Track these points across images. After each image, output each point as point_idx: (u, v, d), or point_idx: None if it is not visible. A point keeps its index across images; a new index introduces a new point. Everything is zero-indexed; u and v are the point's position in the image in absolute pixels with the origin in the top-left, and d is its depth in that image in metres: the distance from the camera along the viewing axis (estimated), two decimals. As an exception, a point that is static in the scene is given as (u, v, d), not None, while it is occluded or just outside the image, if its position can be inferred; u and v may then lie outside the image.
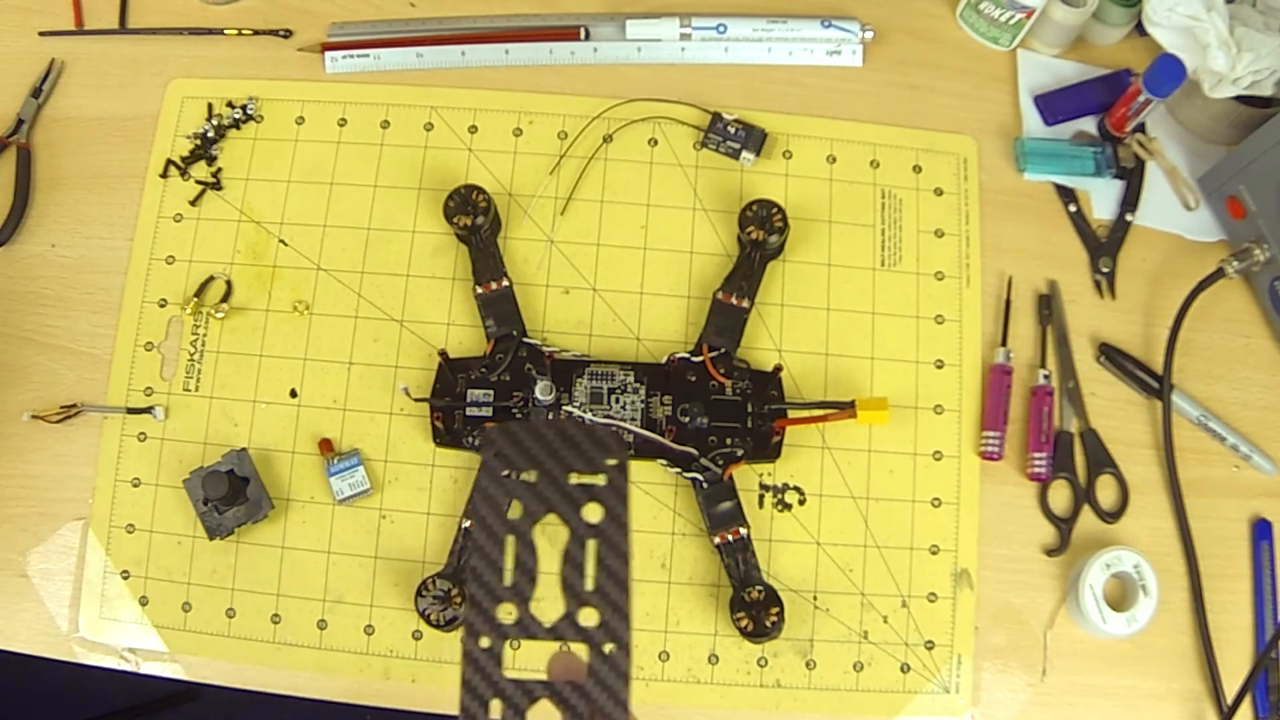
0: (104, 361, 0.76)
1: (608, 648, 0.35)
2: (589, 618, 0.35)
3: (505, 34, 0.83)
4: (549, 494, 0.36)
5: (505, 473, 0.36)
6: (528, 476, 0.36)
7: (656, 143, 0.81)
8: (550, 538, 0.35)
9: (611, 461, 0.36)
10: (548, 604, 0.35)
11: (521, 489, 0.36)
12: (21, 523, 0.74)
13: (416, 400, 0.74)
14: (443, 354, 0.73)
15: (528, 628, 0.35)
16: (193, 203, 0.79)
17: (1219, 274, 0.75)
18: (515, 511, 0.36)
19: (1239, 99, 0.77)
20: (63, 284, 0.78)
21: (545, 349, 0.75)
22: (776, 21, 0.83)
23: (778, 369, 0.74)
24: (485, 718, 0.34)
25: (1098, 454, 0.75)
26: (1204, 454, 0.76)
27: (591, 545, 0.35)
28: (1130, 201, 0.80)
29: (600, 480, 0.36)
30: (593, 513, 0.36)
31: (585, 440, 0.36)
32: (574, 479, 0.36)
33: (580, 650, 0.35)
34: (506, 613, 0.35)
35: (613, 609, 0.35)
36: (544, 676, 0.35)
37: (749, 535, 0.71)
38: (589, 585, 0.35)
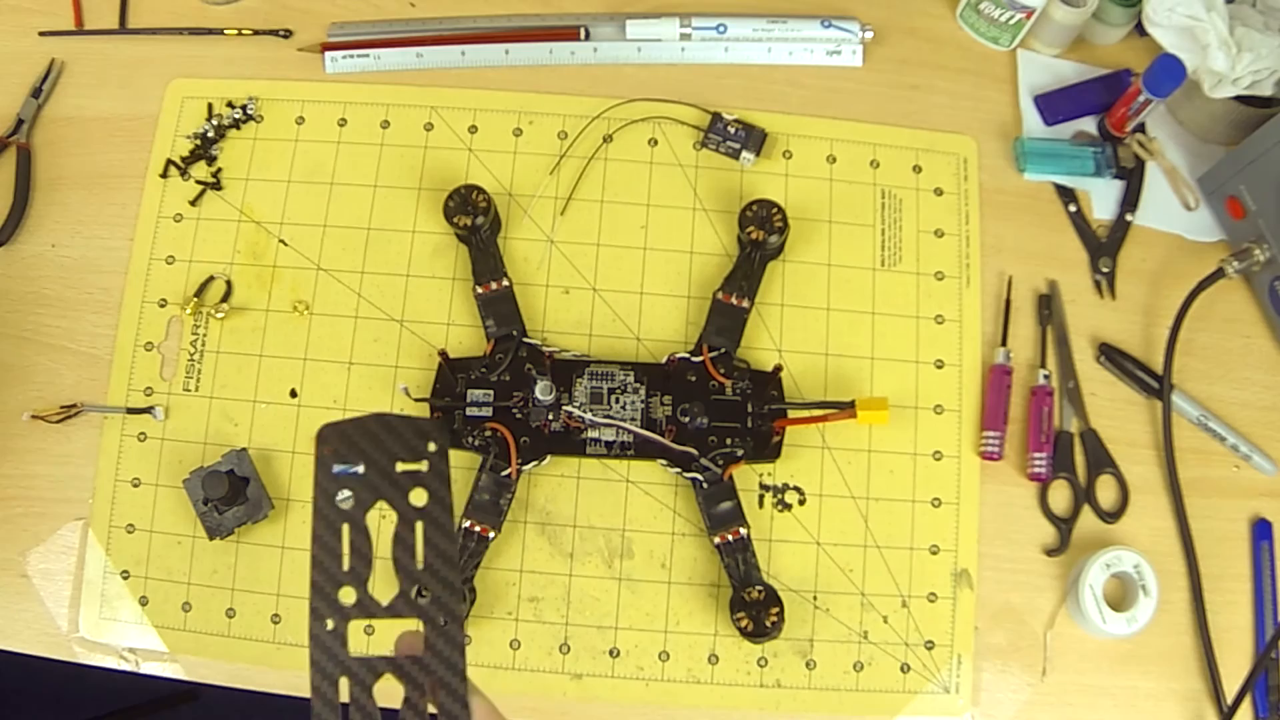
0: (104, 361, 0.76)
1: (442, 621, 0.37)
2: (423, 595, 0.38)
3: (505, 34, 0.83)
4: (377, 483, 0.38)
5: (337, 467, 0.38)
6: (358, 468, 0.38)
7: (656, 143, 0.81)
8: (381, 522, 0.38)
9: (433, 448, 0.38)
10: (384, 585, 0.37)
11: (352, 480, 0.38)
12: (21, 523, 0.74)
13: (416, 400, 0.74)
14: (443, 354, 0.73)
15: (367, 608, 0.37)
16: (193, 203, 0.79)
17: (1219, 274, 0.75)
18: (348, 502, 0.38)
19: (1239, 99, 0.77)
20: (63, 284, 0.78)
21: (545, 349, 0.74)
22: (776, 21, 0.83)
23: (778, 369, 0.74)
24: (335, 695, 0.36)
25: (1098, 454, 0.75)
26: (1204, 454, 0.76)
27: (419, 527, 0.38)
28: (1130, 201, 0.80)
29: (423, 467, 0.38)
30: (419, 497, 0.38)
31: (408, 431, 0.38)
32: (400, 467, 0.38)
33: (419, 631, 0.37)
34: (347, 595, 0.37)
35: (443, 585, 0.38)
36: (389, 653, 0.37)
37: (749, 535, 0.71)
38: (419, 564, 0.38)
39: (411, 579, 0.38)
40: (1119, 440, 0.76)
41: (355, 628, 0.37)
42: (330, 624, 0.37)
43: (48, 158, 0.81)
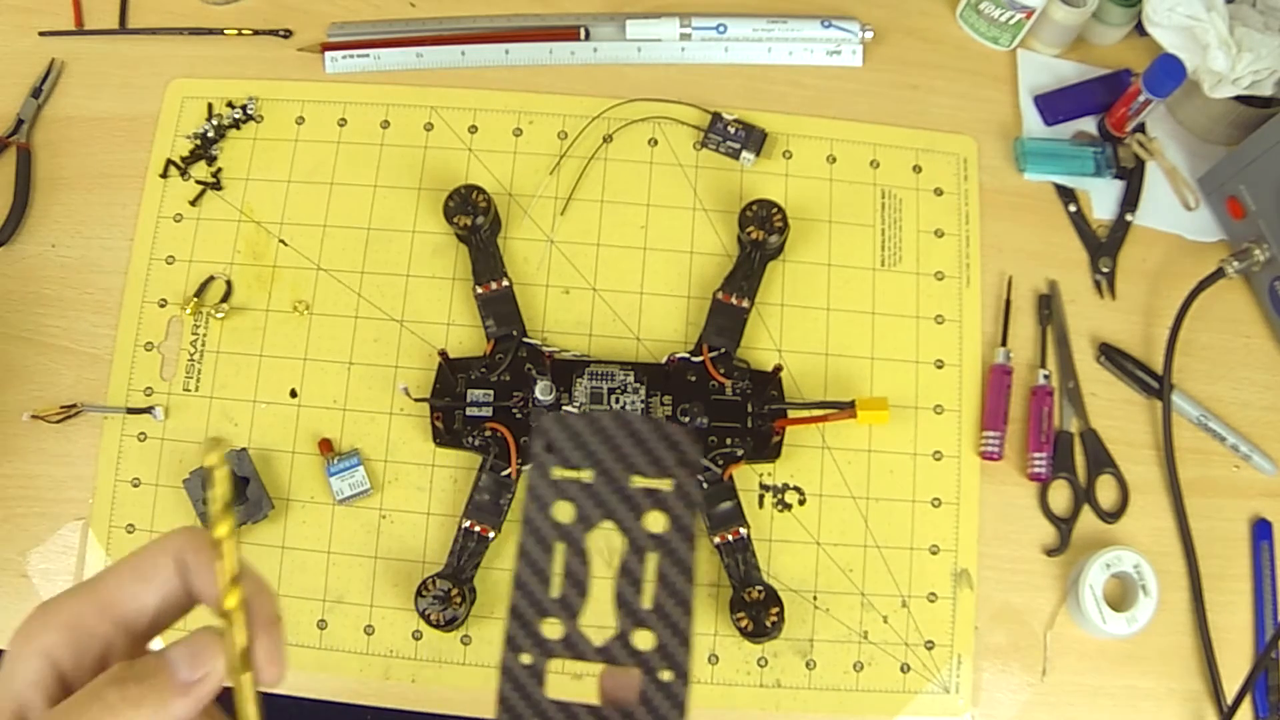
0: (104, 361, 0.76)
1: (665, 675, 0.30)
2: (645, 640, 0.31)
3: (505, 34, 0.83)
4: (607, 497, 0.31)
5: (558, 471, 0.31)
6: (584, 476, 0.31)
7: (656, 143, 0.81)
8: (607, 547, 0.31)
9: (683, 465, 0.31)
10: (599, 621, 0.31)
11: (576, 489, 0.31)
12: (21, 523, 0.74)
13: (416, 400, 0.74)
14: (443, 354, 0.73)
15: (575, 646, 0.31)
16: (193, 203, 0.79)
17: (1219, 274, 0.75)
18: (566, 515, 0.31)
19: (1239, 99, 0.77)
20: (63, 284, 0.78)
21: (545, 349, 0.74)
22: (776, 21, 0.83)
23: (778, 369, 0.74)
24: None
25: (1098, 454, 0.75)
26: (1204, 454, 0.76)
27: (652, 559, 0.31)
28: (1130, 201, 0.80)
29: (667, 485, 0.31)
30: (656, 522, 0.31)
31: (653, 438, 0.31)
32: (637, 482, 0.31)
33: (633, 674, 0.31)
34: (552, 627, 0.31)
35: (672, 632, 0.31)
36: (592, 699, 0.31)
37: (749, 535, 0.71)
38: (647, 604, 0.31)
39: (634, 619, 0.31)
40: (1119, 440, 0.76)
41: (556, 666, 0.31)
42: (528, 659, 0.31)
43: (48, 158, 0.81)
